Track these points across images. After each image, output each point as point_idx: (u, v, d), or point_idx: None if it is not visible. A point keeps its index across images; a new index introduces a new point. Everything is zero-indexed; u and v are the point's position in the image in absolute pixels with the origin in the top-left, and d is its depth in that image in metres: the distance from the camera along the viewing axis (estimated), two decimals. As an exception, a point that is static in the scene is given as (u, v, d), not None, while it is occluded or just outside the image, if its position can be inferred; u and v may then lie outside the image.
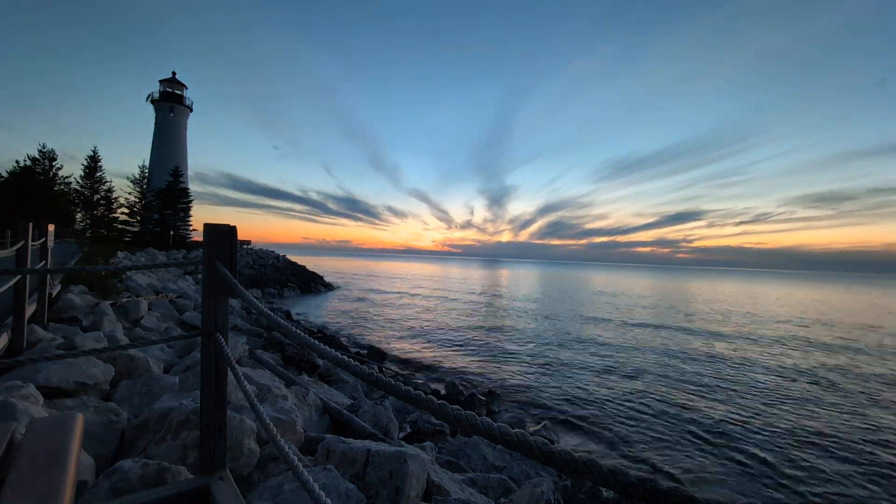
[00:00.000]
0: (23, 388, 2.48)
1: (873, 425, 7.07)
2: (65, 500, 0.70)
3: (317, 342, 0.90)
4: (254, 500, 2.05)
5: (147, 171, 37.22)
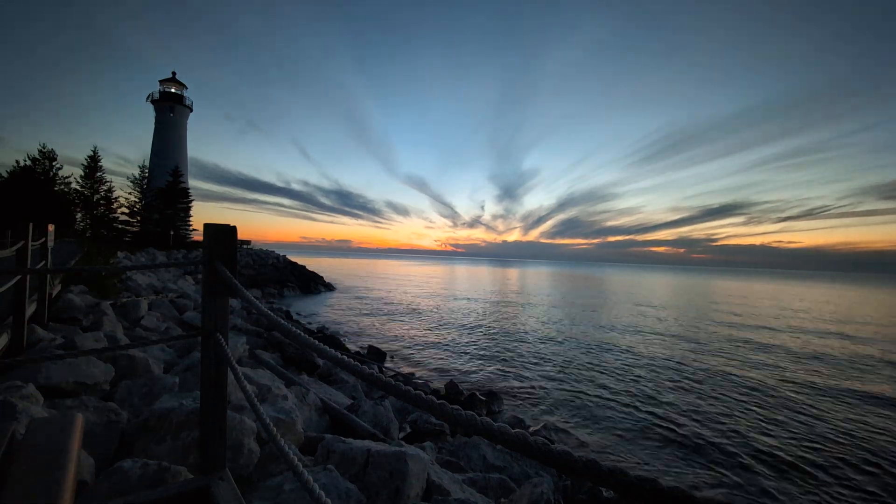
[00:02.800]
0: (23, 388, 2.48)
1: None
2: (65, 500, 0.70)
3: (317, 342, 0.90)
4: (254, 500, 2.06)
5: (147, 171, 37.26)
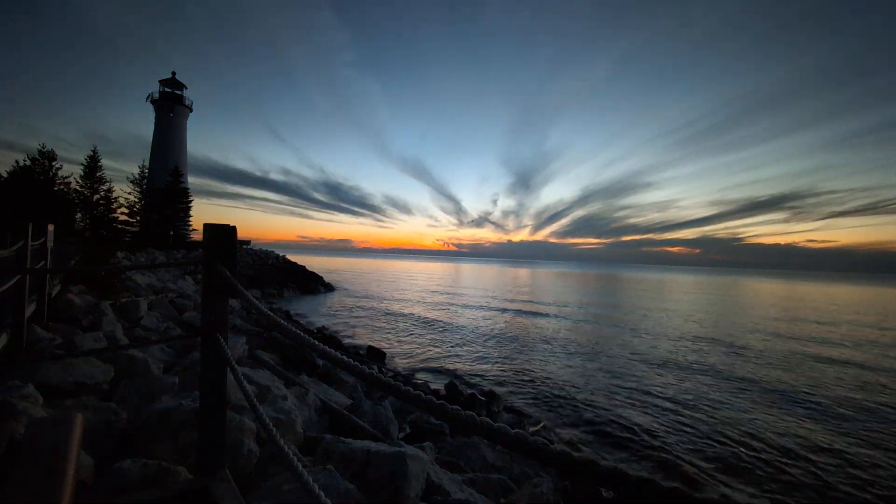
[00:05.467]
0: (22, 388, 2.48)
1: None
2: (65, 500, 0.70)
3: (317, 342, 0.90)
4: (254, 500, 2.05)
5: (147, 171, 37.28)
